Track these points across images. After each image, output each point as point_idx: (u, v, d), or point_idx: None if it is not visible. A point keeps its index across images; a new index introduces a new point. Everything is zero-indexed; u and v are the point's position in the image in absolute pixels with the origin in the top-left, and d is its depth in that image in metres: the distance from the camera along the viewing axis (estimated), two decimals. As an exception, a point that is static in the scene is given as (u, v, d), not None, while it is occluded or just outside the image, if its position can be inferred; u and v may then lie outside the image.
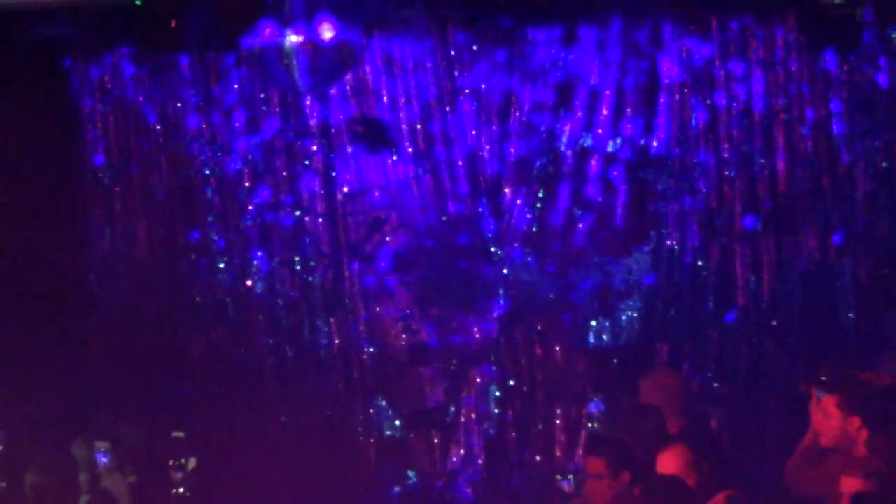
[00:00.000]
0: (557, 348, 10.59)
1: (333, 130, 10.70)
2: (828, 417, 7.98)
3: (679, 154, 10.44)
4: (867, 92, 10.19)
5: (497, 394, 10.63)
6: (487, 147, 10.63)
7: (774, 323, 10.32)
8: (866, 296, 10.25)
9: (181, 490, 9.46)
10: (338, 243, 10.77)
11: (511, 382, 10.62)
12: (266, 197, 10.82)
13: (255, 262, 10.86)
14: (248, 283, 10.90)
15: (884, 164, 10.22)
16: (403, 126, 10.61)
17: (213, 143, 10.85)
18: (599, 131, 10.49)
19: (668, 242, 10.50)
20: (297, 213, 10.79)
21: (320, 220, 10.76)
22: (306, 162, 10.76)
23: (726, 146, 10.35)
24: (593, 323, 10.64)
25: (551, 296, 10.61)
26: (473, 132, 10.61)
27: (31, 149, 10.40)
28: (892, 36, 10.07)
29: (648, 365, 10.22)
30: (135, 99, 10.91)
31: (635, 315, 10.60)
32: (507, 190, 10.64)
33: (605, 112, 10.46)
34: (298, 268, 10.82)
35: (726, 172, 10.36)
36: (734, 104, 10.30)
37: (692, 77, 10.36)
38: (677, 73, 10.37)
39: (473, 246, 10.67)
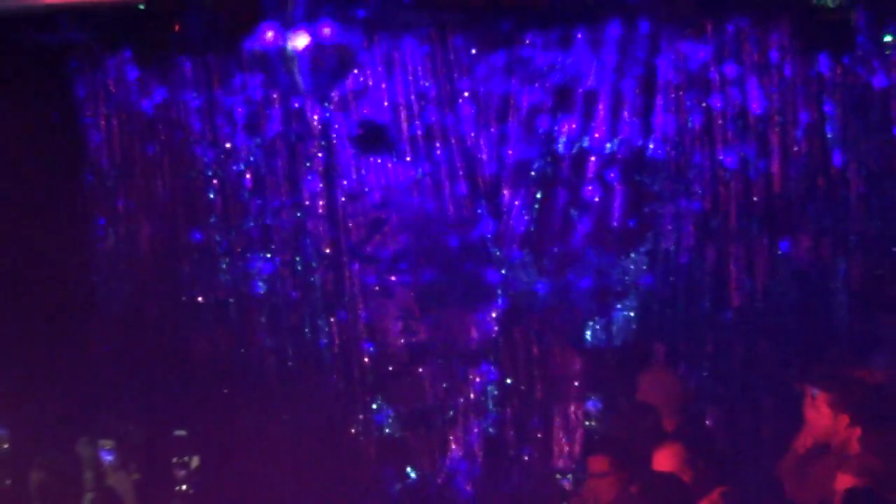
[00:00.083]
0: (555, 348, 10.62)
1: (334, 132, 10.73)
2: (822, 415, 8.07)
3: (675, 156, 10.44)
4: (860, 95, 10.16)
5: (495, 393, 10.66)
6: (486, 149, 10.65)
7: (769, 323, 10.31)
8: (859, 296, 10.23)
9: (184, 487, 9.49)
10: (338, 244, 10.79)
11: (509, 381, 10.65)
12: (268, 198, 10.86)
13: (257, 263, 10.89)
14: (250, 283, 10.92)
15: (877, 166, 10.19)
16: (403, 128, 10.63)
17: (215, 145, 10.89)
18: (596, 134, 10.50)
19: (665, 243, 10.49)
20: (299, 214, 10.82)
21: (321, 221, 10.80)
22: (307, 164, 10.78)
23: (721, 148, 10.35)
24: (590, 323, 10.64)
25: (549, 296, 10.63)
26: (472, 134, 10.64)
27: (35, 150, 10.46)
28: (886, 39, 10.06)
29: (645, 364, 10.23)
30: (138, 101, 10.94)
31: (632, 315, 10.61)
32: (505, 191, 10.65)
33: (602, 114, 10.46)
34: (299, 268, 10.84)
35: (721, 174, 10.36)
36: (729, 107, 10.29)
37: (688, 80, 10.35)
38: (673, 76, 10.36)
39: (472, 247, 10.67)
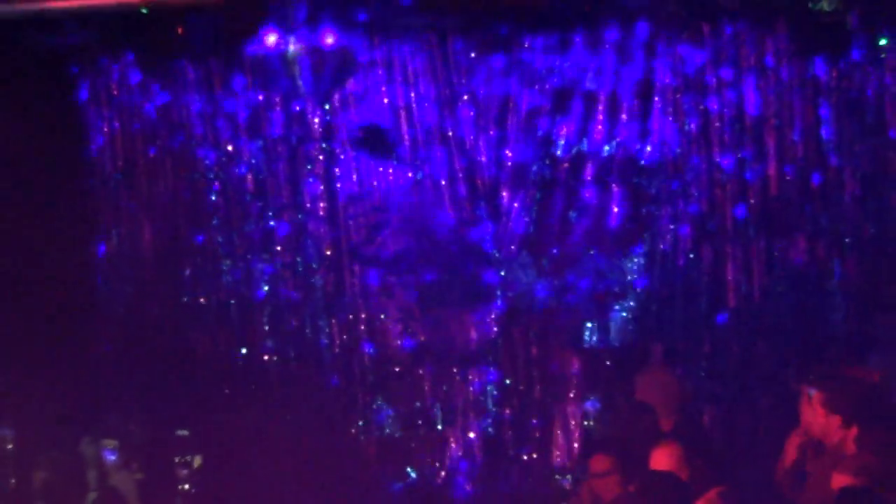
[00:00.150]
0: (554, 348, 10.64)
1: (335, 135, 10.74)
2: (818, 415, 8.13)
3: (672, 158, 10.47)
4: (856, 98, 10.24)
5: (495, 393, 10.67)
6: (485, 151, 10.66)
7: (766, 323, 10.34)
8: (855, 297, 10.28)
9: (186, 487, 9.47)
10: (339, 246, 10.80)
11: (508, 381, 10.66)
12: (269, 201, 10.88)
13: (259, 265, 10.91)
14: (251, 284, 10.93)
15: (872, 169, 10.26)
16: (403, 131, 10.65)
17: (216, 148, 10.91)
18: (595, 136, 10.52)
19: (662, 245, 10.52)
20: (300, 216, 10.84)
21: (322, 223, 10.80)
22: (308, 166, 10.79)
23: (718, 151, 10.39)
24: (589, 323, 10.66)
25: (548, 297, 10.65)
26: (472, 137, 10.66)
27: (38, 153, 10.46)
28: (881, 43, 10.14)
29: (643, 364, 10.28)
30: (140, 104, 10.96)
31: (630, 316, 10.63)
32: (504, 193, 10.66)
33: (600, 117, 10.49)
34: (301, 270, 10.86)
35: (718, 176, 10.39)
36: (726, 109, 10.34)
37: (685, 83, 10.39)
38: (671, 79, 10.40)
39: (472, 248, 10.68)
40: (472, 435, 10.63)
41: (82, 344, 10.85)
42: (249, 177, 10.88)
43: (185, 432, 9.99)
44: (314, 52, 9.09)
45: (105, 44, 10.49)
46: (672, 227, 10.49)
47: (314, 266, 10.85)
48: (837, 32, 9.87)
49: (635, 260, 10.61)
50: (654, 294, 10.57)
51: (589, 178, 10.57)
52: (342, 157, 10.76)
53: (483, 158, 10.67)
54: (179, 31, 9.85)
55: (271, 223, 10.87)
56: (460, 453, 10.64)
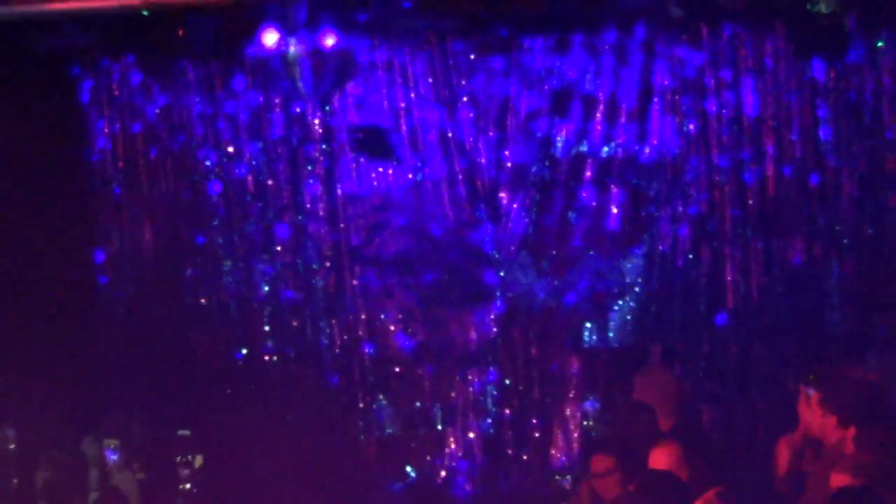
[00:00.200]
0: (553, 348, 10.66)
1: (335, 137, 10.78)
2: (817, 415, 8.10)
3: (671, 159, 10.48)
4: (853, 99, 10.24)
5: (494, 393, 10.70)
6: (485, 152, 10.69)
7: (764, 324, 10.34)
8: (853, 297, 10.27)
9: (188, 486, 9.45)
10: (339, 247, 10.83)
11: (508, 382, 10.69)
12: (270, 202, 10.91)
13: (259, 266, 10.94)
14: (252, 285, 10.96)
15: (869, 170, 10.25)
16: (403, 132, 10.68)
17: (217, 149, 10.94)
18: (594, 137, 10.55)
19: (661, 246, 10.53)
20: (300, 217, 10.86)
21: (322, 224, 10.84)
22: (309, 168, 10.83)
23: (717, 152, 10.40)
24: (588, 324, 10.68)
25: (547, 297, 10.67)
26: (471, 138, 10.69)
27: (40, 154, 10.45)
28: (878, 45, 10.15)
29: (642, 364, 10.25)
30: (141, 106, 10.99)
31: (629, 316, 10.65)
32: (504, 195, 10.69)
33: (599, 118, 10.51)
34: (301, 270, 10.90)
35: (717, 177, 10.40)
36: (724, 111, 10.35)
37: (684, 84, 10.41)
38: (669, 81, 10.42)
39: (471, 249, 10.71)
40: (471, 435, 10.66)
41: (84, 344, 10.86)
42: (250, 178, 10.91)
43: (186, 432, 9.98)
44: (314, 54, 9.09)
45: (106, 45, 10.47)
46: (671, 227, 10.50)
47: (314, 267, 10.87)
48: (835, 34, 9.75)
49: (634, 261, 10.63)
50: (653, 294, 10.58)
51: (588, 179, 10.58)
52: (342, 158, 10.79)
53: (482, 160, 10.70)
54: (180, 32, 9.79)
55: (272, 224, 10.90)
56: (460, 453, 10.66)
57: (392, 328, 10.80)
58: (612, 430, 10.05)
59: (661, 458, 8.00)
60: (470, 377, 10.70)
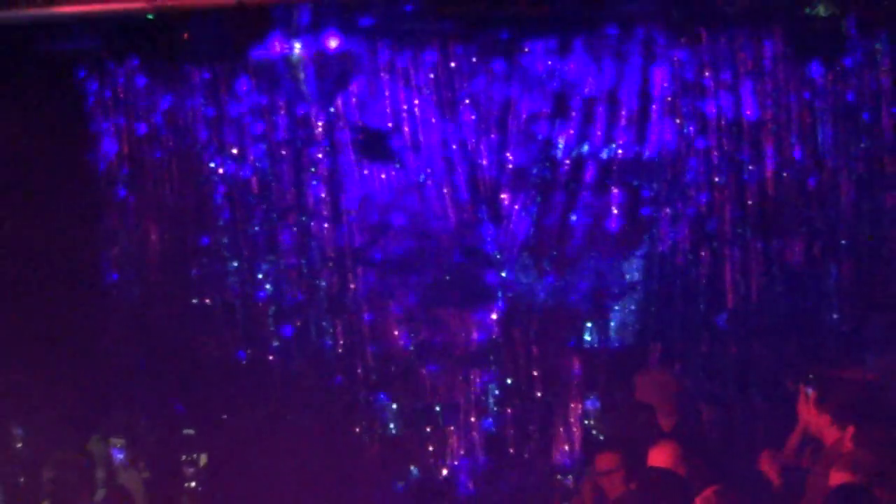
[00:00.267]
0: (554, 348, 10.70)
1: (338, 139, 10.78)
2: (815, 414, 8.18)
3: (670, 161, 10.54)
4: (851, 101, 10.31)
5: (496, 392, 10.72)
6: (486, 154, 10.71)
7: (763, 324, 10.39)
8: (851, 298, 10.34)
9: (192, 485, 9.47)
10: (343, 248, 10.86)
11: (509, 381, 10.72)
12: (273, 203, 10.93)
13: (264, 266, 10.97)
14: (256, 286, 10.98)
15: (867, 171, 10.33)
16: (405, 134, 10.70)
17: (221, 151, 10.96)
18: (594, 139, 10.59)
19: (661, 247, 10.60)
20: (304, 218, 10.89)
21: (326, 225, 10.85)
22: (312, 169, 10.85)
23: (716, 153, 10.46)
24: (588, 324, 10.74)
25: (548, 298, 10.72)
26: (473, 140, 10.72)
27: (47, 157, 10.47)
28: (876, 47, 10.22)
29: (642, 364, 10.32)
30: (146, 108, 11.01)
31: (629, 316, 10.71)
32: (505, 196, 10.73)
33: (599, 121, 10.55)
34: (305, 271, 10.92)
35: (716, 179, 10.47)
36: (723, 113, 10.41)
37: (683, 87, 10.47)
38: (669, 83, 10.47)
39: (473, 250, 10.75)
40: (473, 434, 10.68)
41: (89, 344, 10.85)
42: (254, 180, 10.93)
43: (191, 431, 9.98)
44: (318, 57, 9.09)
45: (112, 49, 10.47)
46: (671, 228, 10.56)
47: (318, 267, 10.90)
48: (833, 37, 9.88)
49: (634, 261, 10.69)
50: (654, 295, 10.65)
51: (589, 180, 10.63)
52: (345, 160, 10.80)
53: (484, 161, 10.72)
54: (185, 36, 9.79)
55: (275, 225, 10.93)
56: (462, 452, 10.67)
57: (394, 328, 10.82)
58: (612, 429, 10.08)
59: (659, 457, 8.02)
60: (472, 377, 10.71)
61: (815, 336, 10.37)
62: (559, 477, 10.40)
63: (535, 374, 10.70)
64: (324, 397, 10.86)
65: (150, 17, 9.55)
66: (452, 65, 10.66)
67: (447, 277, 10.74)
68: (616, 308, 10.72)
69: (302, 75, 9.11)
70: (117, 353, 10.98)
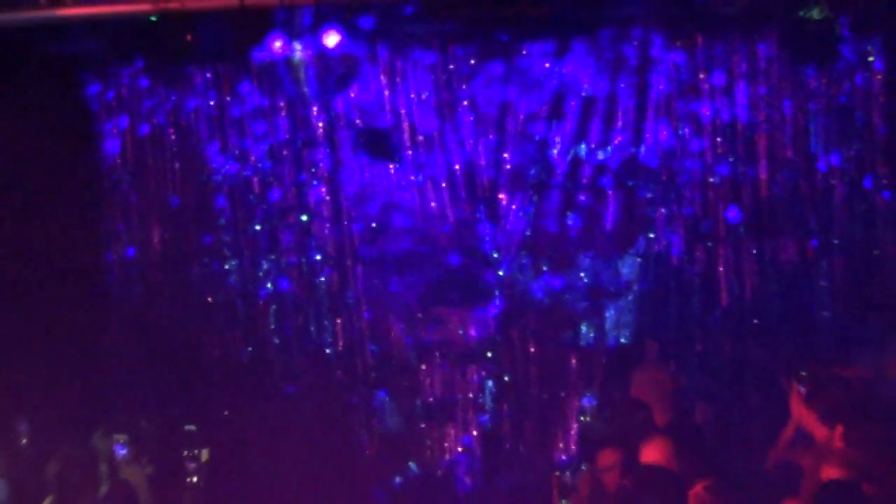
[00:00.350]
0: (551, 346, 10.77)
1: (338, 139, 10.88)
2: (808, 411, 8.23)
3: (666, 162, 10.61)
4: (844, 103, 10.38)
5: (493, 389, 10.81)
6: (485, 155, 10.80)
7: (756, 322, 10.47)
8: (843, 296, 10.40)
9: (195, 480, 9.44)
10: (342, 247, 10.95)
11: (507, 378, 10.79)
12: (275, 203, 11.01)
13: (264, 265, 11.05)
14: (257, 284, 11.06)
15: (859, 172, 10.37)
16: (405, 135, 10.79)
17: (224, 152, 11.04)
18: (591, 140, 10.67)
19: (656, 246, 10.67)
20: (304, 218, 10.97)
21: (326, 224, 10.95)
22: (313, 169, 10.94)
23: (711, 154, 10.54)
24: (585, 322, 10.79)
25: (545, 296, 10.78)
26: (471, 141, 10.80)
27: (51, 157, 10.46)
28: (868, 49, 10.30)
29: (637, 362, 10.39)
30: (150, 109, 11.09)
31: (625, 315, 10.77)
32: (503, 196, 10.81)
33: (596, 122, 10.63)
34: (305, 270, 11.00)
35: (711, 179, 10.54)
36: (718, 115, 10.49)
37: (679, 89, 10.55)
38: (665, 85, 10.55)
39: (471, 249, 10.84)
40: (471, 430, 10.77)
41: (93, 342, 10.93)
42: (255, 179, 11.02)
43: (192, 427, 9.96)
44: (319, 58, 9.13)
45: (115, 51, 10.48)
46: (666, 228, 10.63)
47: (318, 266, 10.98)
48: (827, 39, 9.73)
49: (630, 260, 10.75)
50: (649, 294, 10.72)
51: (585, 181, 10.71)
52: (345, 160, 10.89)
53: (482, 161, 10.80)
54: (188, 38, 9.75)
55: (276, 224, 11.01)
56: (460, 448, 10.76)
57: (394, 326, 10.91)
58: (608, 425, 10.08)
59: (652, 453, 8.05)
60: (469, 374, 10.79)
61: (807, 334, 10.40)
62: (557, 473, 10.35)
63: (532, 371, 10.76)
64: (323, 394, 10.93)
65: (153, 19, 9.56)
66: (451, 66, 10.75)
67: (445, 276, 10.82)
68: (612, 307, 10.77)
69: (303, 76, 9.11)
70: (119, 350, 11.07)
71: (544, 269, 10.80)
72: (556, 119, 10.69)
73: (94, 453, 9.20)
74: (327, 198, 10.94)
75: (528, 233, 10.82)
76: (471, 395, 10.80)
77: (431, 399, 10.84)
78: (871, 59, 10.33)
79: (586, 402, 10.64)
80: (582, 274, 10.76)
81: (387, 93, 10.78)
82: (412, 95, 10.78)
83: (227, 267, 11.11)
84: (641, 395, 9.65)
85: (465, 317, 10.83)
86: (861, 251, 10.40)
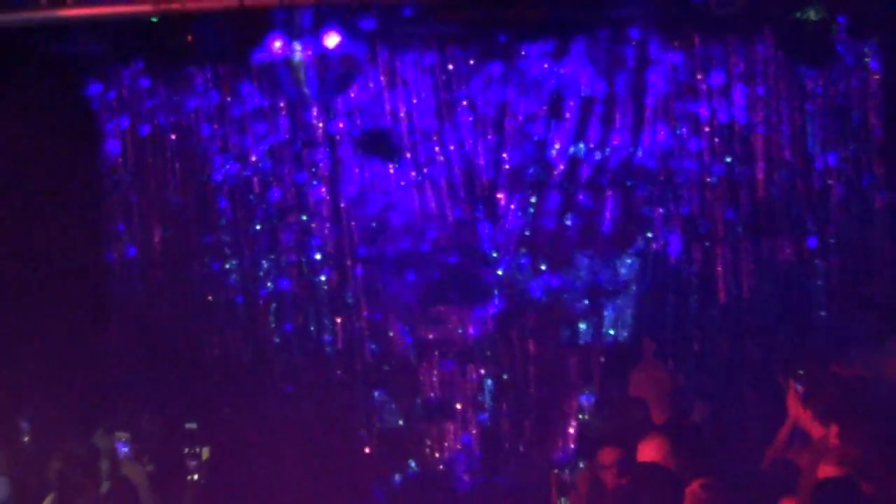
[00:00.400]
0: (549, 345, 10.80)
1: (338, 139, 10.91)
2: (805, 409, 8.24)
3: (664, 162, 10.64)
4: (840, 103, 10.43)
5: (492, 388, 10.84)
6: (483, 155, 10.83)
7: (753, 321, 10.49)
8: (839, 295, 10.44)
9: (195, 477, 9.44)
10: (342, 246, 10.98)
11: (505, 377, 10.83)
12: (275, 203, 11.04)
13: (265, 264, 11.07)
14: (258, 283, 11.08)
15: (855, 172, 10.42)
16: (404, 135, 10.84)
17: (224, 152, 11.07)
18: (589, 141, 10.70)
19: (654, 245, 10.70)
20: (304, 217, 11.00)
21: (326, 224, 10.98)
22: (313, 169, 10.97)
23: (708, 154, 10.57)
24: (583, 321, 10.82)
25: (543, 295, 10.81)
26: (470, 141, 10.84)
27: (51, 157, 10.48)
28: (864, 50, 10.36)
29: (635, 361, 10.28)
30: (151, 110, 11.10)
31: (623, 314, 10.80)
32: (501, 196, 10.84)
33: (594, 122, 10.67)
34: (305, 269, 11.03)
35: (708, 179, 10.58)
36: (716, 115, 10.53)
37: (677, 89, 10.58)
38: (663, 86, 10.59)
39: (470, 248, 10.87)
40: (470, 427, 10.80)
41: (95, 340, 10.95)
42: (255, 179, 11.04)
43: (193, 425, 9.95)
44: (319, 59, 9.16)
45: (116, 51, 10.54)
46: (664, 228, 10.67)
47: (318, 266, 11.01)
48: (823, 40, 9.84)
49: (628, 260, 10.78)
50: (647, 293, 10.74)
51: (583, 180, 10.74)
52: (345, 160, 10.92)
53: (481, 161, 10.84)
54: (188, 39, 9.78)
55: (276, 224, 11.04)
56: (459, 446, 10.79)
57: (393, 325, 10.93)
58: (606, 423, 9.99)
59: (648, 451, 8.01)
60: (468, 372, 10.82)
61: (805, 333, 10.44)
62: (556, 471, 10.33)
63: (531, 370, 10.80)
64: (323, 393, 10.95)
65: (153, 19, 9.57)
66: (451, 67, 10.79)
67: (444, 275, 10.85)
68: (610, 305, 10.79)
69: (303, 77, 9.14)
70: (120, 350, 11.09)
71: (543, 268, 10.83)
72: (554, 119, 10.73)
73: (95, 451, 9.25)
74: (327, 198, 10.96)
75: (526, 232, 10.84)
76: (470, 394, 10.83)
77: (430, 397, 10.87)
78: (867, 59, 10.39)
79: (585, 400, 10.69)
80: (580, 273, 10.79)
81: (386, 93, 10.81)
82: (411, 95, 10.81)
83: (227, 266, 11.12)
84: (639, 394, 9.59)
85: (464, 316, 10.86)
86: (858, 251, 10.45)
